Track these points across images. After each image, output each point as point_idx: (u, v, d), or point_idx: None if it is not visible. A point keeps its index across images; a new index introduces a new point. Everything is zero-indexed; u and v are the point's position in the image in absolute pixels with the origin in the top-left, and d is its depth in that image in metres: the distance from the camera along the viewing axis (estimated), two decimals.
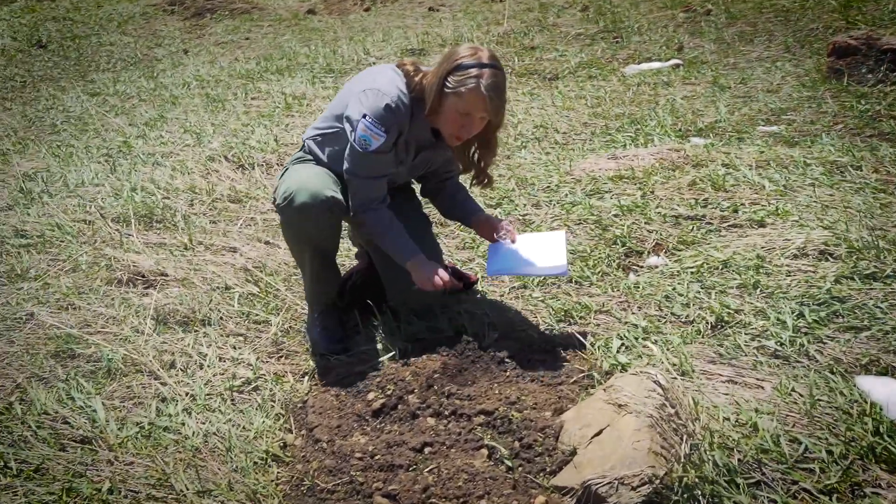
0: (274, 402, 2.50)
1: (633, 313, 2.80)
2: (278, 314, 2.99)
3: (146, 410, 2.49)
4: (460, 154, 2.71)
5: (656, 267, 3.16)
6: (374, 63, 6.70)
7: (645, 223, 3.44)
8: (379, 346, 2.76)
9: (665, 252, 3.27)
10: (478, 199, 3.68)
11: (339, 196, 2.56)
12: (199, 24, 10.49)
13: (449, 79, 2.40)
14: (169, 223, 3.82)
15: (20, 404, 2.56)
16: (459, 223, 2.98)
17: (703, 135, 4.53)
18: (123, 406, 2.53)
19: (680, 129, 4.70)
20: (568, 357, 2.57)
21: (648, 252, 3.27)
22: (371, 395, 2.45)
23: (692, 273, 3.01)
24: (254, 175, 4.43)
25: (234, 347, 2.81)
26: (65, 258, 3.53)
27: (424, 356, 2.59)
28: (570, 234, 3.44)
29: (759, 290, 2.84)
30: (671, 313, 2.79)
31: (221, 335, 2.89)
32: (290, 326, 2.94)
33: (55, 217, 3.88)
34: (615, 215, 3.52)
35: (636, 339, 2.63)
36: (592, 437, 2.00)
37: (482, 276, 3.16)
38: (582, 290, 3.03)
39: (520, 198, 3.82)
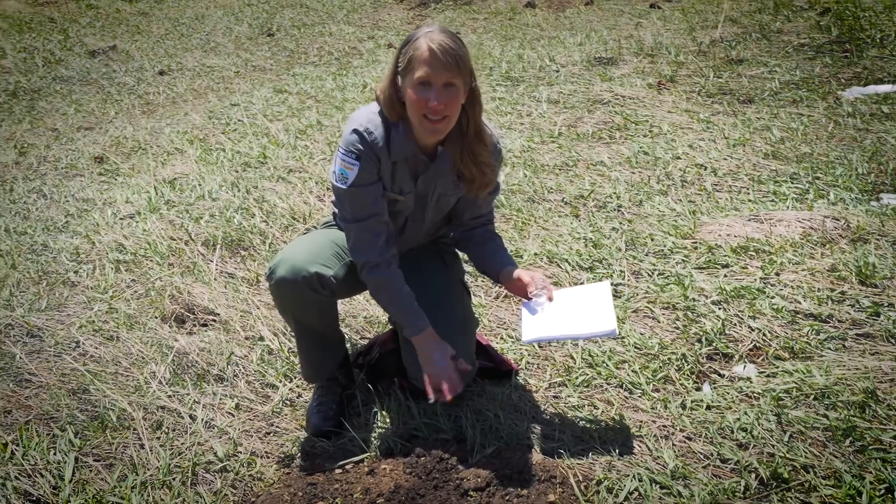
0: (229, 492, 2.35)
1: (671, 446, 2.32)
2: (291, 380, 2.84)
3: (110, 477, 2.46)
4: (457, 156, 2.37)
5: (741, 379, 2.61)
6: (557, 71, 6.33)
7: (750, 317, 2.87)
8: (374, 434, 2.51)
9: (762, 360, 2.69)
10: (572, 257, 3.29)
11: (331, 271, 2.37)
12: (422, 14, 10.61)
13: (398, 64, 2.23)
14: (254, 252, 3.80)
15: (15, 446, 2.62)
16: (490, 279, 2.63)
17: None
18: (93, 467, 2.52)
19: (871, 183, 3.91)
20: (555, 500, 2.16)
21: (741, 357, 2.71)
22: None
23: (774, 399, 2.44)
24: None
25: (230, 414, 2.71)
26: (143, 281, 3.63)
27: (401, 462, 2.33)
28: (651, 319, 2.95)
29: (849, 439, 2.24)
30: (718, 455, 2.27)
31: (226, 397, 2.79)
32: (300, 395, 2.78)
33: (154, 234, 4.00)
34: (714, 302, 2.97)
35: (655, 484, 2.17)
36: None
37: (524, 362, 2.79)
38: (630, 399, 2.58)
39: (620, 262, 3.35)
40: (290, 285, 2.34)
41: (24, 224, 4.52)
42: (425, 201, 2.47)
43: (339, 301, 3.17)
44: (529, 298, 2.44)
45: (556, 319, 2.37)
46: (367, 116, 2.32)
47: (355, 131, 2.28)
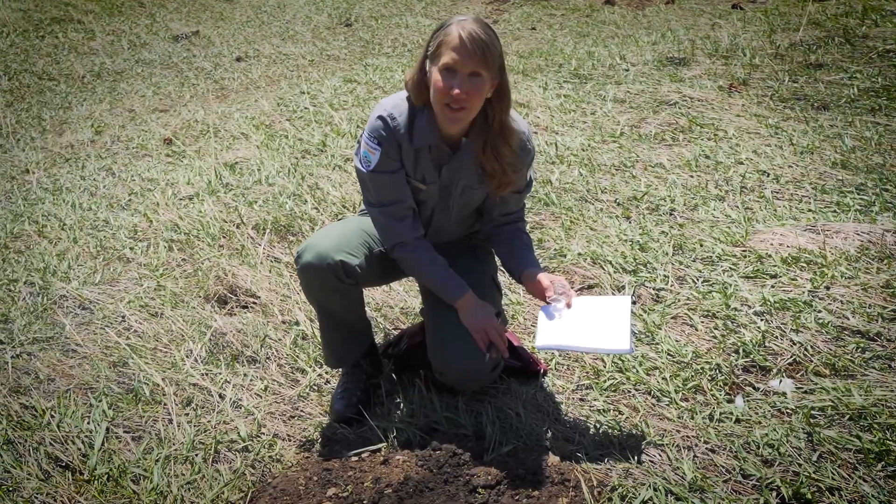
0: (247, 472, 2.40)
1: (692, 457, 2.26)
2: (321, 366, 2.87)
3: (136, 448, 2.53)
4: (479, 149, 2.36)
5: (776, 394, 2.53)
6: (627, 70, 6.22)
7: (793, 330, 2.77)
8: (394, 425, 2.53)
9: (801, 375, 2.60)
10: (616, 259, 3.24)
11: (357, 260, 2.39)
12: (500, 9, 10.56)
13: (428, 49, 2.23)
14: (302, 238, 3.85)
15: (53, 413, 2.73)
16: (513, 278, 2.61)
17: None
18: (122, 438, 2.60)
19: None
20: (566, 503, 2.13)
21: (778, 371, 2.62)
22: (331, 491, 2.26)
23: (807, 416, 2.35)
24: None
25: (258, 395, 2.75)
26: (192, 261, 3.71)
27: (415, 454, 2.34)
28: (689, 327, 2.88)
29: (881, 463, 2.16)
30: (740, 469, 2.20)
31: (256, 378, 2.84)
32: (328, 381, 2.81)
33: (209, 216, 4.10)
34: (757, 312, 2.87)
35: (671, 495, 2.12)
36: None
37: (554, 362, 2.76)
38: (657, 406, 2.52)
39: (665, 266, 3.27)
40: (315, 271, 2.37)
41: (91, 200, 4.68)
42: (449, 192, 2.46)
43: (377, 291, 3.20)
44: (548, 302, 2.41)
45: (572, 328, 2.33)
46: (394, 102, 2.34)
47: (380, 117, 2.31)
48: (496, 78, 2.21)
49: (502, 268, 2.68)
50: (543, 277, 2.42)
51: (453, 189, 2.45)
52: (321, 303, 2.48)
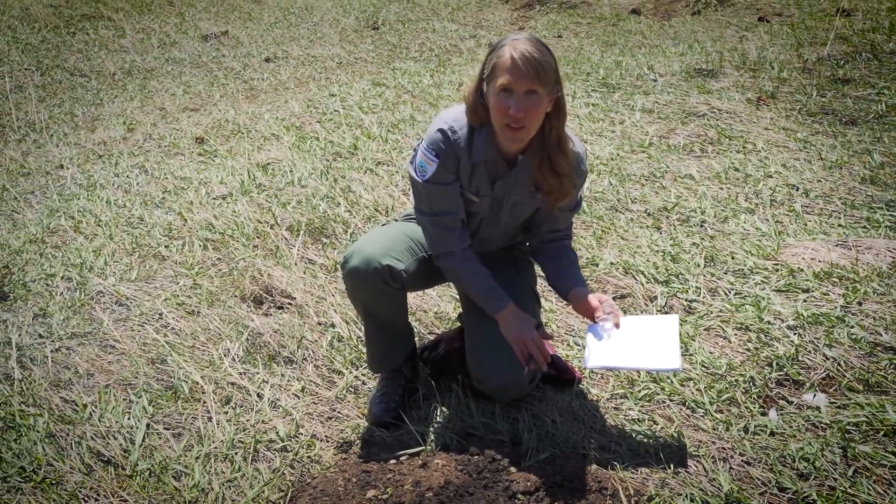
0: (286, 472, 2.43)
1: (728, 469, 2.27)
2: (357, 368, 2.89)
3: (177, 444, 2.56)
4: (536, 166, 2.38)
5: (809, 408, 2.54)
6: (655, 80, 6.23)
7: (826, 345, 2.78)
8: (431, 429, 2.55)
9: (834, 390, 2.61)
10: (648, 269, 3.27)
11: (402, 265, 2.42)
12: (526, 16, 10.59)
13: (484, 71, 2.25)
14: (335, 240, 3.88)
15: (94, 407, 2.77)
16: (559, 295, 2.62)
17: None
18: (162, 435, 2.63)
19: None
20: None
21: (811, 386, 2.63)
22: (370, 493, 2.28)
23: (842, 431, 2.37)
24: None
25: (296, 396, 2.78)
26: (227, 261, 3.75)
27: (454, 458, 2.36)
28: (722, 339, 2.89)
29: None
30: (776, 483, 2.22)
31: (293, 379, 2.87)
32: (364, 383, 2.84)
33: (243, 216, 4.13)
34: (790, 326, 2.88)
35: None
36: None
37: (588, 371, 2.77)
38: (691, 417, 2.54)
39: (697, 278, 3.28)
40: (362, 275, 2.40)
41: (125, 197, 4.73)
42: (500, 206, 2.49)
43: (411, 295, 3.22)
44: (595, 321, 2.43)
45: (621, 348, 2.35)
46: (455, 115, 2.37)
47: (440, 130, 2.34)
48: (553, 93, 2.23)
49: (546, 283, 2.70)
50: (592, 298, 2.44)
51: (504, 203, 2.48)
52: (367, 307, 2.51)
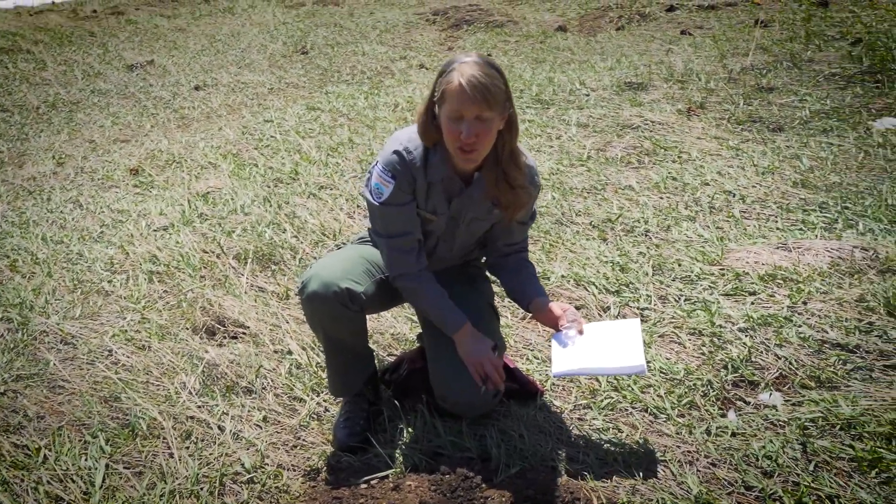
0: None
1: (695, 472, 2.31)
2: (318, 394, 2.86)
3: (139, 484, 2.49)
4: (492, 182, 2.40)
5: (766, 407, 2.60)
6: (587, 95, 6.35)
7: (776, 345, 2.86)
8: (398, 451, 2.53)
9: (788, 388, 2.68)
10: (599, 280, 3.31)
11: (361, 288, 2.41)
12: (454, 36, 10.69)
13: (434, 94, 2.26)
14: (284, 267, 3.84)
15: (47, 450, 2.67)
16: (520, 307, 2.65)
17: None
18: (123, 474, 2.56)
19: None
20: None
21: (766, 385, 2.70)
22: None
23: (800, 428, 2.43)
24: None
25: (258, 426, 2.73)
26: (174, 293, 3.68)
27: (426, 479, 2.34)
28: (677, 345, 2.94)
29: (874, 470, 2.24)
30: (742, 482, 2.26)
31: (254, 409, 2.82)
32: (327, 409, 2.80)
33: (187, 247, 4.06)
34: (741, 329, 2.96)
35: None
36: None
37: (549, 383, 2.79)
38: (654, 423, 2.58)
39: (647, 286, 3.35)
40: (321, 300, 2.38)
41: (61, 233, 4.60)
42: (457, 223, 2.50)
43: (367, 318, 3.20)
44: (559, 330, 2.47)
45: (586, 353, 2.40)
46: (409, 136, 2.38)
47: (395, 151, 2.34)
48: (504, 112, 2.26)
49: (507, 296, 2.72)
50: (555, 307, 2.48)
51: (461, 220, 2.50)
52: (327, 331, 2.49)
